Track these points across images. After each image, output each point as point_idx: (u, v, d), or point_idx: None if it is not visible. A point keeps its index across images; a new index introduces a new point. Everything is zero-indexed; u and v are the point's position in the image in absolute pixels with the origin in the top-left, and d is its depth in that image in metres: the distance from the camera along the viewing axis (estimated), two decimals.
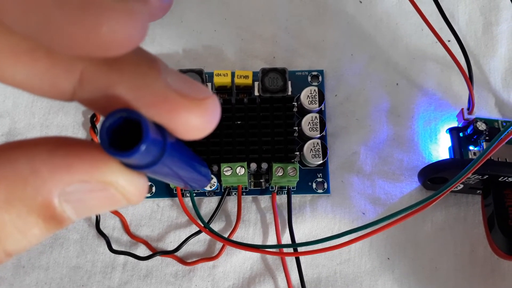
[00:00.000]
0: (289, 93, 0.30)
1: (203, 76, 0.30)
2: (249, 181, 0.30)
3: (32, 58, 0.11)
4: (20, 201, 0.10)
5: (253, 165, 0.29)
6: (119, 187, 0.11)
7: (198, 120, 0.11)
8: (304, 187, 0.31)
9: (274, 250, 0.28)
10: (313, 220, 0.30)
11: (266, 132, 0.29)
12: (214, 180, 0.30)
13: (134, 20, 0.09)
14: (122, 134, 0.11)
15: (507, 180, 0.27)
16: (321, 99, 0.30)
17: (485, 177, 0.27)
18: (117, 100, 0.11)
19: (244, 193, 0.30)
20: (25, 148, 0.10)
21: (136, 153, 0.10)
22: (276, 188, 0.30)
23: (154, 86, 0.11)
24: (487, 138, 0.30)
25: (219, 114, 0.12)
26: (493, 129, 0.30)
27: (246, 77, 0.30)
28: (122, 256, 0.30)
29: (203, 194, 0.31)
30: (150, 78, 0.11)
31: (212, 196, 0.31)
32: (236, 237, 0.30)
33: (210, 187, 0.30)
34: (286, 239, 0.30)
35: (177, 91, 0.11)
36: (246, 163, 0.28)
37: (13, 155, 0.10)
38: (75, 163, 0.10)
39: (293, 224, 0.29)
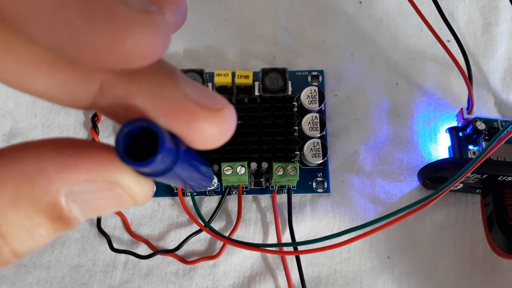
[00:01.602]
0: (289, 93, 0.30)
1: (204, 76, 0.30)
2: (250, 180, 0.31)
3: (53, 69, 0.11)
4: (27, 201, 0.10)
5: (254, 165, 0.29)
6: (126, 187, 0.11)
7: (215, 130, 0.11)
8: (304, 186, 0.31)
9: (274, 249, 0.28)
10: (313, 219, 0.30)
11: (267, 131, 0.30)
12: (215, 179, 0.30)
13: (158, 33, 0.10)
14: (135, 141, 0.11)
15: (506, 179, 0.27)
16: (321, 99, 0.30)
17: (484, 176, 0.27)
18: (135, 109, 0.11)
19: (244, 192, 0.31)
20: (32, 148, 0.10)
21: (150, 164, 0.10)
22: (277, 187, 0.31)
23: (173, 96, 0.11)
24: (486, 137, 0.30)
25: (235, 123, 0.12)
26: (493, 128, 0.30)
27: (246, 77, 0.30)
28: (123, 255, 0.30)
29: (204, 193, 0.31)
30: (169, 88, 0.11)
31: (213, 195, 0.31)
32: (236, 236, 0.30)
33: (211, 187, 0.30)
34: (286, 238, 0.30)
35: (195, 101, 0.11)
36: (246, 162, 0.28)
37: (20, 156, 0.10)
38: (82, 163, 0.10)
39: (293, 223, 0.29)
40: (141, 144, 0.11)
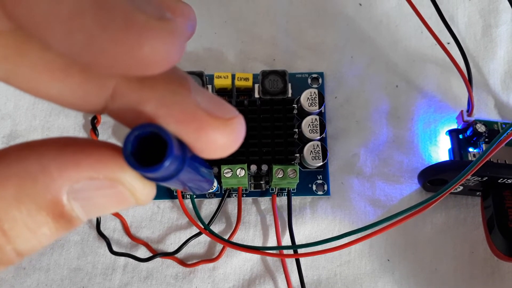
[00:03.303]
0: (289, 95, 0.30)
1: (203, 78, 0.30)
2: (249, 183, 0.31)
3: (67, 74, 0.11)
4: (29, 199, 0.10)
5: (253, 167, 0.29)
6: (127, 184, 0.11)
7: (224, 140, 0.11)
8: (304, 189, 0.31)
9: (274, 251, 0.28)
10: (313, 222, 0.30)
11: (266, 134, 0.30)
12: (215, 182, 0.30)
13: (174, 39, 0.10)
14: (142, 145, 0.11)
15: (506, 182, 0.27)
16: (321, 101, 0.30)
17: (484, 179, 0.27)
18: (146, 115, 0.11)
19: (244, 195, 0.31)
20: (34, 147, 0.10)
21: (156, 170, 0.10)
22: (276, 190, 0.31)
23: (184, 104, 0.11)
24: (486, 140, 0.30)
25: (244, 133, 0.12)
26: (493, 131, 0.30)
27: (246, 79, 0.30)
28: (122, 258, 0.30)
29: (204, 196, 0.31)
30: (181, 96, 0.11)
31: (212, 198, 0.31)
32: (236, 238, 0.30)
33: (211, 189, 0.30)
34: (286, 240, 0.30)
35: (205, 110, 0.11)
36: (246, 165, 0.28)
37: (23, 154, 0.10)
38: (83, 161, 0.11)
39: (293, 226, 0.29)
40: (147, 149, 0.11)
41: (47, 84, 0.11)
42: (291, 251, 0.29)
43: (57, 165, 0.10)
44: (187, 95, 0.11)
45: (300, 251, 0.28)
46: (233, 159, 0.29)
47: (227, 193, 0.30)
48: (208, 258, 0.30)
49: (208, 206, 0.31)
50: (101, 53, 0.09)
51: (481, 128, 0.29)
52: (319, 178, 0.31)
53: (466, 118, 0.30)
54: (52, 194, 0.10)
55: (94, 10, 0.09)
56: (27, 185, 0.10)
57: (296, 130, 0.30)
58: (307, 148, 0.29)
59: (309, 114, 0.30)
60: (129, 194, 0.11)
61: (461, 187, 0.29)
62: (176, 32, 0.10)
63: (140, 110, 0.11)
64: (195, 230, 0.30)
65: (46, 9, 0.09)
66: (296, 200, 0.31)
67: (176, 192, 0.30)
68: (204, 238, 0.30)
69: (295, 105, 0.31)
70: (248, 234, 0.30)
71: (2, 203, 0.10)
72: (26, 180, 0.10)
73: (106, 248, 0.29)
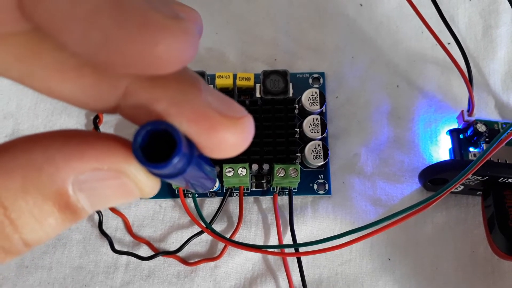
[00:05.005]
0: (291, 95, 0.31)
1: (205, 78, 0.30)
2: (251, 182, 0.31)
3: (79, 74, 0.11)
4: (35, 189, 0.10)
5: (255, 166, 0.29)
6: (132, 175, 0.11)
7: (234, 139, 0.11)
8: (305, 188, 0.31)
9: (275, 250, 0.29)
10: (314, 221, 0.30)
11: (268, 133, 0.30)
12: (217, 181, 0.30)
13: (188, 38, 0.10)
14: (149, 141, 0.11)
15: (507, 181, 0.27)
16: (322, 101, 0.30)
17: (485, 178, 0.27)
18: (157, 114, 0.11)
19: (245, 194, 0.31)
20: (40, 139, 0.11)
21: (163, 168, 0.11)
22: (278, 189, 0.31)
23: (195, 103, 0.11)
24: (487, 139, 0.30)
25: (253, 132, 0.12)
26: (493, 130, 0.30)
27: (247, 79, 0.31)
28: (124, 257, 0.30)
29: (205, 195, 0.31)
30: (192, 95, 0.11)
31: (214, 197, 0.31)
32: (237, 237, 0.30)
33: (212, 188, 0.30)
34: (287, 239, 0.30)
35: (216, 109, 0.11)
36: (247, 164, 0.29)
37: (29, 145, 0.10)
38: (87, 151, 0.11)
39: (294, 225, 0.29)
40: (153, 145, 0.11)
41: (61, 84, 0.12)
42: (292, 250, 0.29)
43: (62, 156, 0.10)
44: (198, 95, 0.11)
45: (301, 249, 0.28)
46: (234, 158, 0.29)
47: (228, 192, 0.30)
48: (209, 256, 0.30)
49: (210, 205, 0.31)
50: (116, 52, 0.09)
51: (481, 127, 0.29)
52: (320, 177, 0.31)
53: (466, 118, 0.30)
54: (57, 184, 0.10)
55: (111, 9, 0.09)
56: (33, 175, 0.10)
57: (297, 129, 0.31)
58: (308, 147, 0.30)
59: (310, 113, 0.30)
60: (134, 186, 0.11)
61: (462, 187, 0.29)
62: (190, 31, 0.10)
63: (152, 109, 0.11)
64: (197, 229, 0.30)
65: (64, 10, 0.09)
66: (297, 199, 0.31)
67: (178, 191, 0.30)
68: (205, 237, 0.30)
69: (296, 105, 0.31)
70: (250, 233, 0.30)
71: (9, 193, 0.10)
72: (32, 171, 0.10)
73: (108, 246, 0.30)
